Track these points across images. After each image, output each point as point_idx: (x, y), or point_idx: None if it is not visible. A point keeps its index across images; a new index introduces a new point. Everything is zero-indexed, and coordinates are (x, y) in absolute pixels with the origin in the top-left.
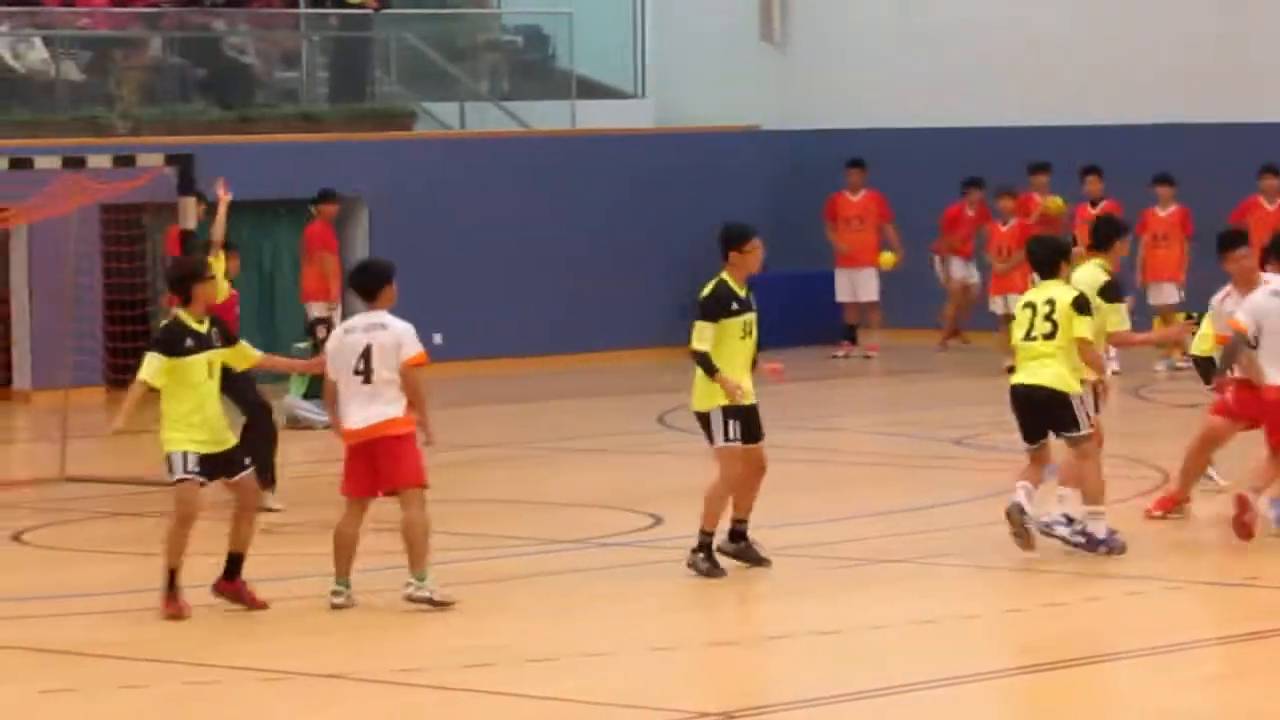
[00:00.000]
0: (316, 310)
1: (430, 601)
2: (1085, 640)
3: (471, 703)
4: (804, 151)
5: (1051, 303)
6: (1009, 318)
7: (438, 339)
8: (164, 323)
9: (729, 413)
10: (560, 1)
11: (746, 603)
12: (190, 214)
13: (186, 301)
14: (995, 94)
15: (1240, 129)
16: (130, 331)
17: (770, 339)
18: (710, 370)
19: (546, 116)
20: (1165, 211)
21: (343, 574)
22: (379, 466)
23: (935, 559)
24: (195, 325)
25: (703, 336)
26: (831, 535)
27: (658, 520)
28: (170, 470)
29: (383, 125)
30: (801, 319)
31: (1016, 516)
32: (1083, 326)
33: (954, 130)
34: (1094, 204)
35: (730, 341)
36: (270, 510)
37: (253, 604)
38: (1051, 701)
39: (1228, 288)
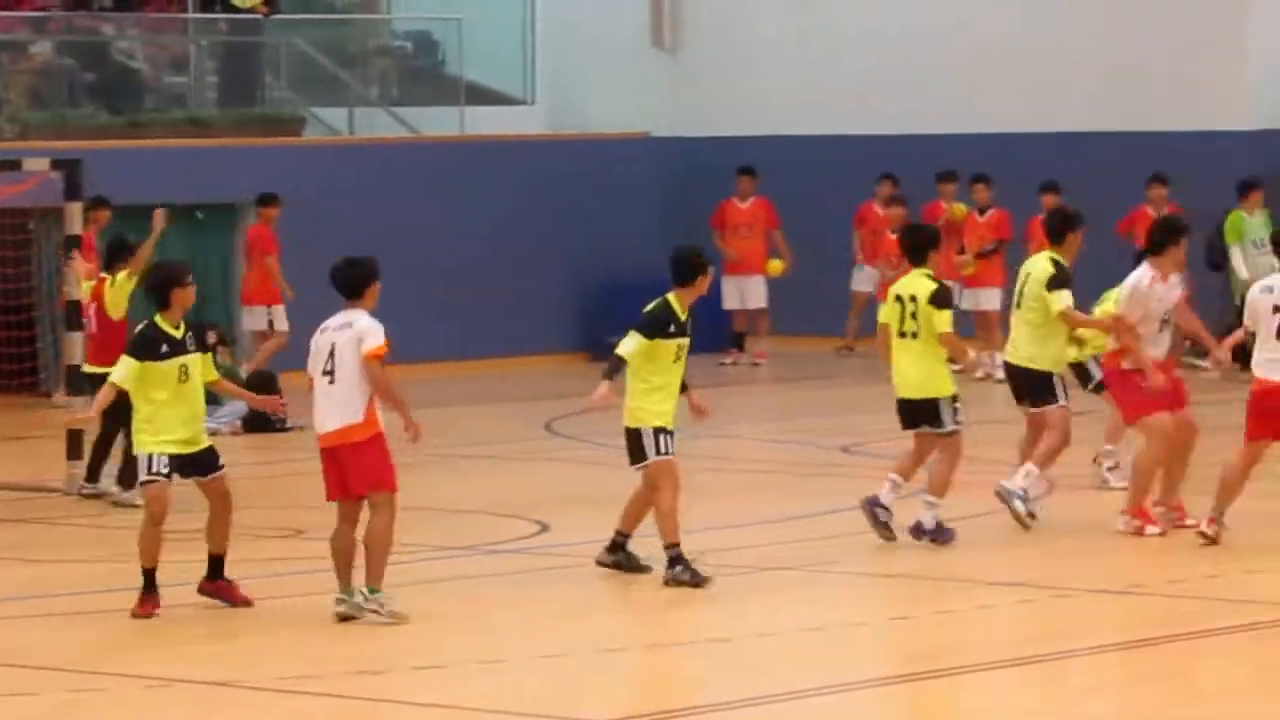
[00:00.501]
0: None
1: (378, 614)
2: (974, 648)
3: (360, 711)
4: (695, 158)
5: (915, 299)
6: None
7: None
8: (140, 327)
9: (660, 429)
10: (450, 7)
11: (637, 610)
12: (76, 220)
13: (164, 306)
14: (890, 102)
15: (1131, 137)
16: (16, 337)
17: None
18: (613, 370)
19: (436, 122)
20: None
21: (344, 584)
22: (345, 474)
23: (825, 566)
24: (171, 330)
25: (628, 343)
26: (722, 542)
27: (544, 527)
28: (140, 471)
29: (272, 131)
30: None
31: (867, 509)
32: (943, 321)
33: (847, 138)
34: (982, 211)
35: (662, 362)
36: (136, 505)
37: (236, 601)
38: (940, 709)
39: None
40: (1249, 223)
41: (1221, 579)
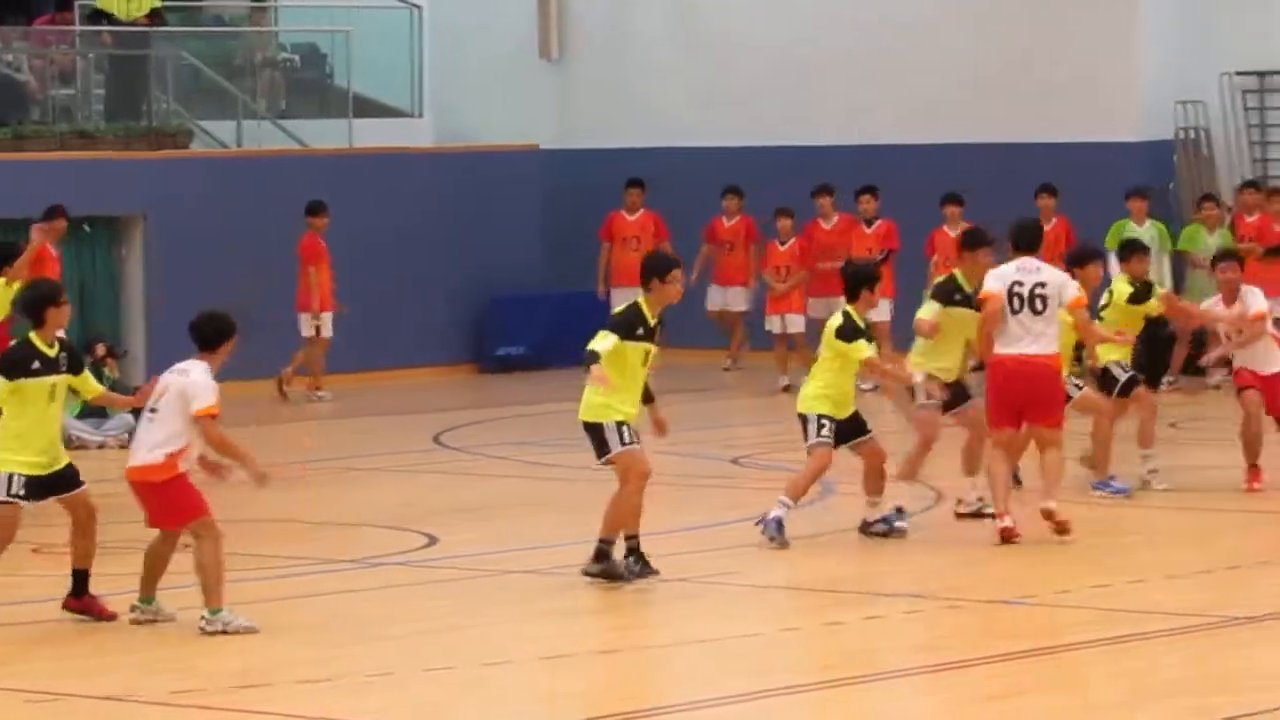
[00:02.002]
0: (304, 320)
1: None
2: (863, 659)
3: None
4: (583, 170)
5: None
6: (784, 337)
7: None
8: (13, 343)
9: (620, 422)
10: (338, 19)
11: (524, 623)
12: None
13: (39, 324)
14: (777, 113)
15: (1020, 149)
16: None
17: (550, 358)
18: (591, 360)
19: (324, 135)
20: (955, 230)
21: (144, 592)
22: (148, 508)
23: (715, 578)
24: (44, 349)
25: (602, 340)
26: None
27: (432, 540)
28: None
29: (159, 144)
30: (577, 337)
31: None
32: (857, 351)
33: (734, 149)
34: (869, 223)
35: (630, 367)
36: None
37: (102, 615)
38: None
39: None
40: (1132, 230)
41: (1109, 589)
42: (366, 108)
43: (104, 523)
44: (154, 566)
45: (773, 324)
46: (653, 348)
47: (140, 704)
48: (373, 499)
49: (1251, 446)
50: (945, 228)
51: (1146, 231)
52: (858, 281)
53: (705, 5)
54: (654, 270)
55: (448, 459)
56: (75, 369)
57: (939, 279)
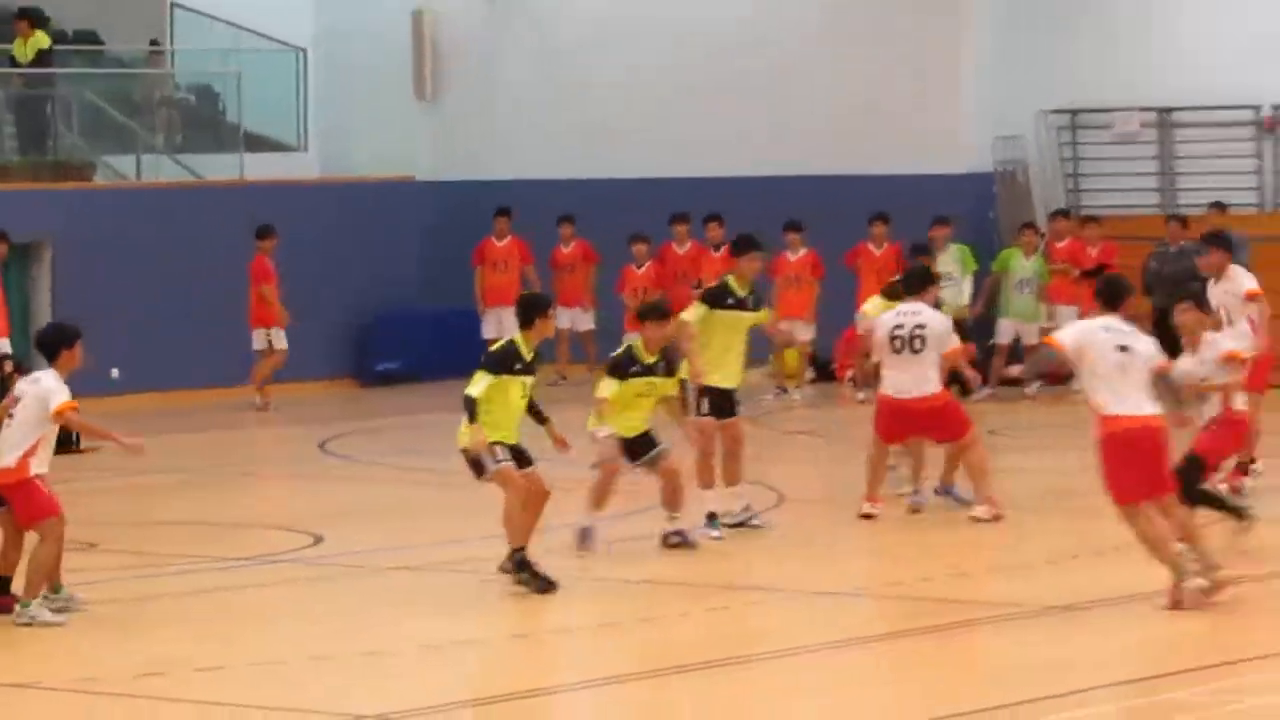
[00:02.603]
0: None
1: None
2: (711, 646)
3: (150, 709)
4: (455, 200)
5: None
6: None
7: (115, 373)
8: None
9: (495, 443)
10: (229, 61)
11: (402, 615)
12: None
13: None
14: (628, 148)
15: (854, 180)
16: None
17: (426, 372)
18: (471, 415)
19: (217, 168)
20: (795, 256)
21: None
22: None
23: (576, 574)
24: None
25: (477, 383)
26: (479, 553)
27: (318, 539)
28: None
29: (65, 175)
30: (451, 353)
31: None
32: (606, 388)
33: (590, 181)
34: (716, 248)
35: (510, 399)
36: None
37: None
38: (678, 702)
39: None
40: (939, 257)
41: (934, 581)
42: (256, 142)
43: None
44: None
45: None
46: (531, 379)
47: (48, 691)
48: (264, 502)
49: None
50: (786, 253)
51: (951, 255)
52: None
53: (563, 51)
54: (535, 308)
55: (333, 465)
56: None
57: (712, 285)
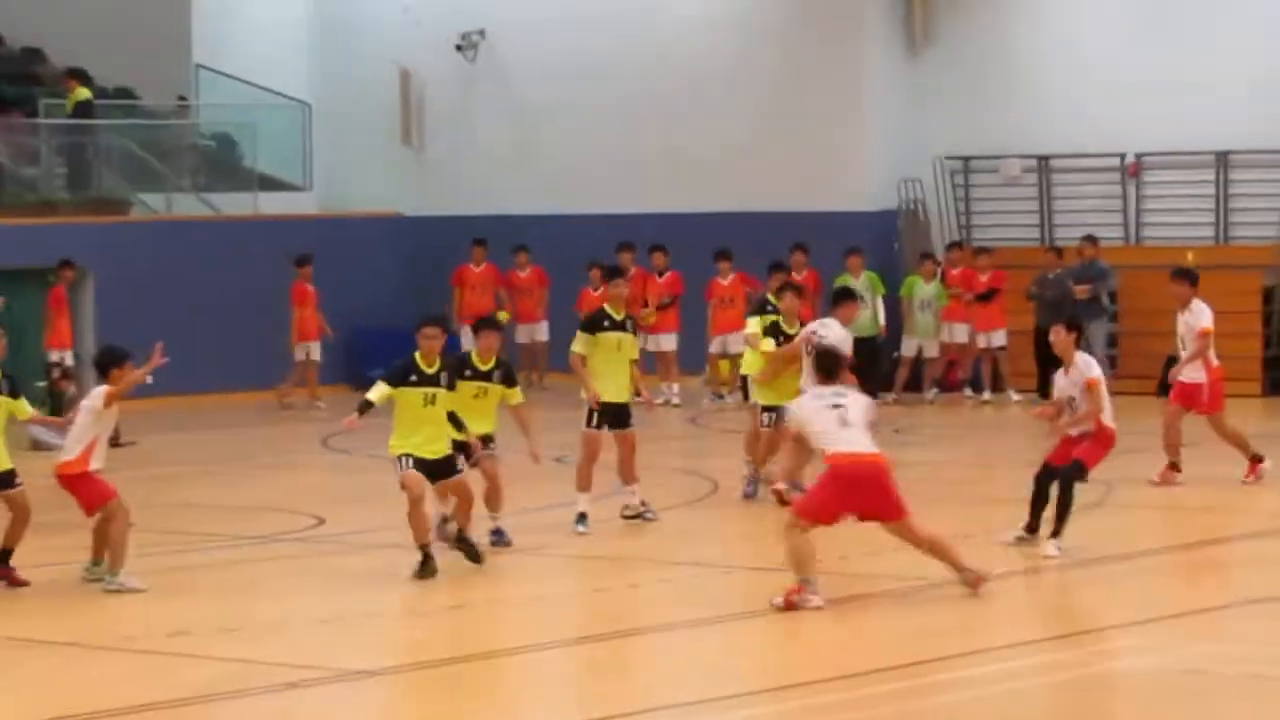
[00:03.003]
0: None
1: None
2: (656, 612)
3: (174, 664)
4: (435, 233)
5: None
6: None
7: (148, 379)
8: None
9: (401, 455)
10: (246, 114)
11: (393, 586)
12: None
13: None
14: (584, 189)
15: (778, 216)
16: None
17: None
18: (361, 410)
19: (234, 204)
20: (727, 280)
21: (95, 556)
22: (76, 498)
23: (540, 550)
24: None
25: (375, 390)
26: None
27: (321, 520)
28: None
29: (105, 210)
30: None
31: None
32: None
33: (550, 216)
34: (660, 274)
35: (411, 409)
36: None
37: (17, 582)
38: (629, 659)
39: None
40: (850, 281)
41: (849, 559)
42: (268, 182)
43: (60, 508)
44: (99, 539)
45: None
46: (438, 390)
47: (94, 649)
48: (274, 488)
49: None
50: (718, 278)
51: (862, 282)
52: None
53: (527, 108)
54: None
55: (334, 458)
56: (13, 394)
57: (588, 314)
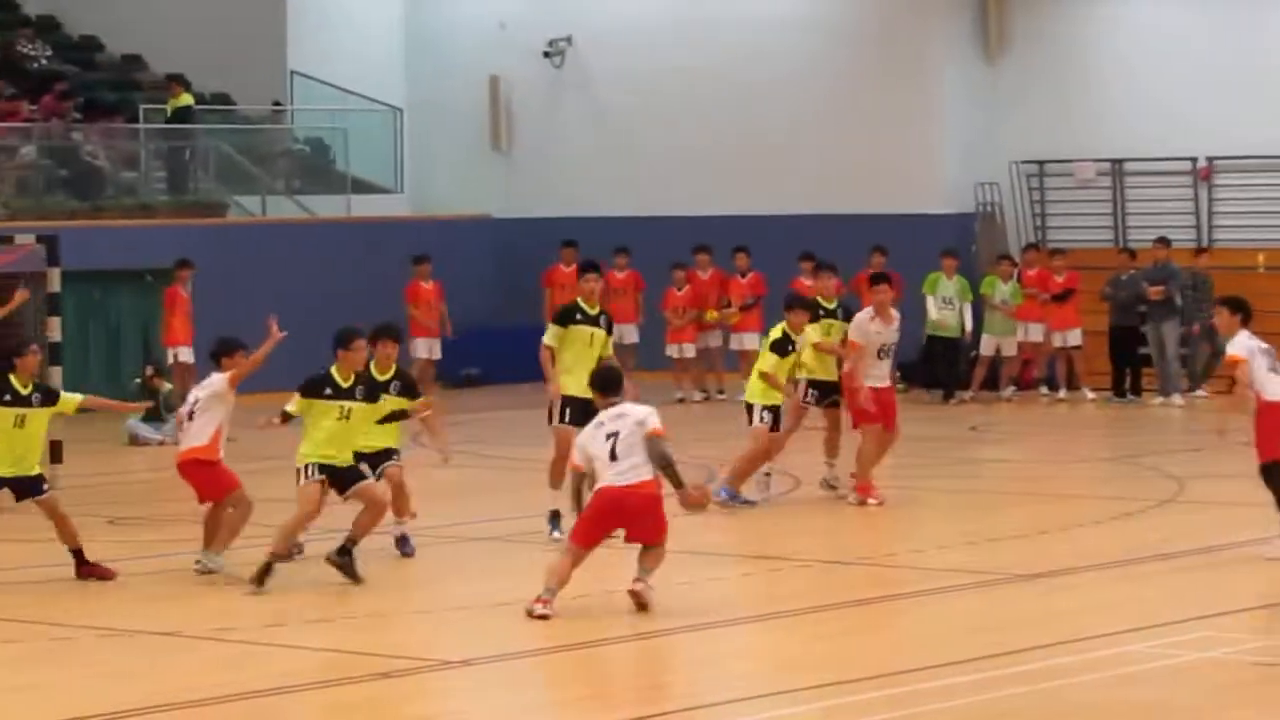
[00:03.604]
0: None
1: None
2: (739, 605)
3: (268, 653)
4: (523, 234)
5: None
6: (681, 360)
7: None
8: None
9: (307, 464)
10: (338, 119)
11: (482, 578)
12: (55, 281)
13: (11, 369)
14: (667, 190)
15: (858, 218)
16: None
17: (499, 376)
18: (283, 418)
19: (328, 207)
20: (810, 281)
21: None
22: (199, 483)
23: (625, 544)
24: (19, 388)
25: (291, 402)
26: (516, 529)
27: (413, 515)
28: None
29: (203, 213)
30: (519, 362)
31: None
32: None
33: (633, 218)
34: (743, 275)
35: (324, 418)
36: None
37: (107, 576)
38: (713, 651)
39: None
40: (943, 282)
41: (924, 553)
42: (360, 185)
43: (159, 500)
44: (211, 528)
45: (672, 350)
46: (352, 404)
47: (191, 639)
48: None
49: None
50: (802, 278)
51: (954, 284)
52: (334, 342)
53: (611, 112)
54: (338, 342)
55: (425, 453)
56: (50, 402)
57: (561, 306)
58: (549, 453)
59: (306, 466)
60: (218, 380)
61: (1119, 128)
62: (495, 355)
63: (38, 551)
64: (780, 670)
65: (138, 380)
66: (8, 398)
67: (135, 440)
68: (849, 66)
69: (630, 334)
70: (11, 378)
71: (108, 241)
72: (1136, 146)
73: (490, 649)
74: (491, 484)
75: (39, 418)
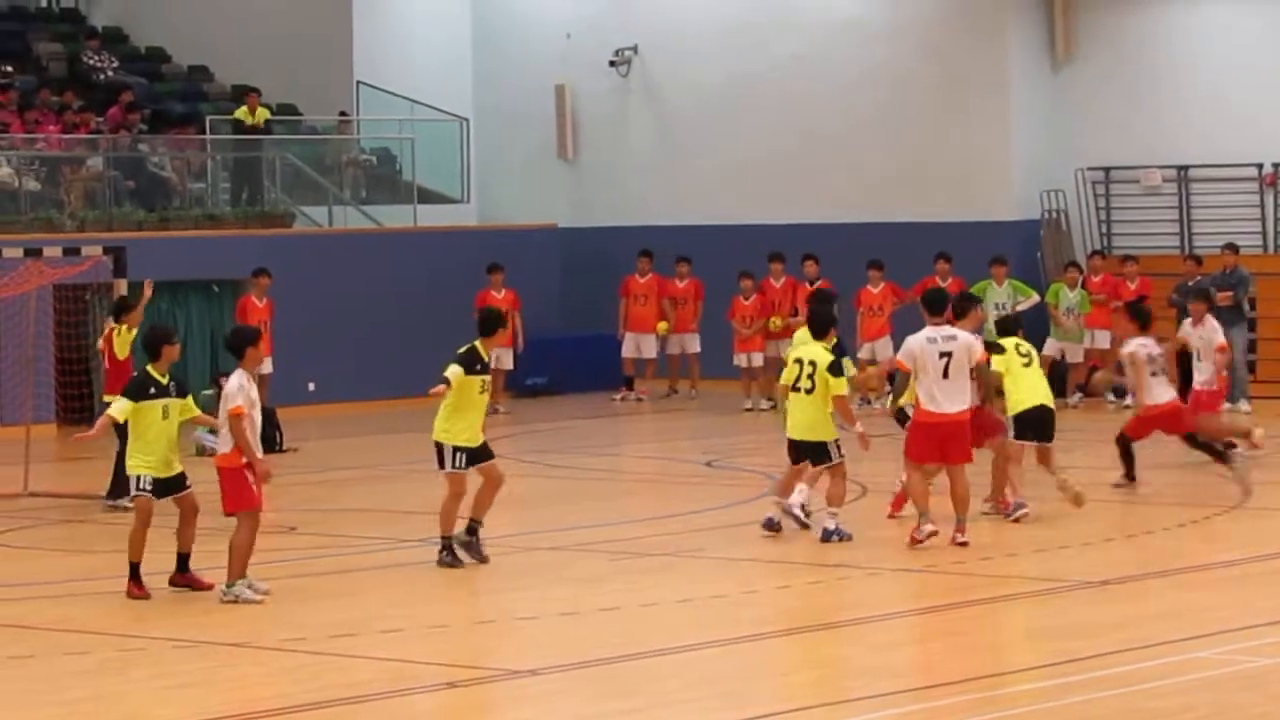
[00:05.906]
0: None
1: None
2: (807, 613)
3: (338, 664)
4: (590, 243)
5: (814, 364)
6: (749, 370)
7: (311, 386)
8: (135, 375)
9: (458, 447)
10: (405, 129)
11: (546, 588)
12: (123, 291)
13: (155, 359)
14: (731, 200)
15: (923, 226)
16: (75, 381)
17: (566, 386)
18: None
19: (394, 217)
20: (877, 289)
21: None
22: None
23: (692, 553)
24: (159, 378)
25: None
26: (614, 535)
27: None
28: (132, 488)
29: (269, 224)
30: (587, 371)
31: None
32: (839, 386)
33: (698, 227)
34: (812, 282)
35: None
36: (126, 509)
37: (203, 587)
38: (780, 659)
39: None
40: (994, 289)
41: (992, 560)
42: (427, 196)
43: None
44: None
45: (740, 360)
46: (174, 401)
47: (259, 649)
48: (433, 492)
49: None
50: (869, 286)
51: (1005, 290)
52: (826, 324)
53: (677, 121)
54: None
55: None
56: (181, 395)
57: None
58: (617, 463)
59: (455, 454)
60: (229, 392)
61: (1185, 134)
62: (561, 365)
63: (103, 562)
64: (850, 677)
65: (207, 391)
66: (153, 390)
67: (202, 451)
68: (915, 73)
69: (692, 343)
70: (150, 369)
71: (175, 252)
72: (1202, 153)
73: (558, 658)
74: (558, 494)
75: (177, 409)
